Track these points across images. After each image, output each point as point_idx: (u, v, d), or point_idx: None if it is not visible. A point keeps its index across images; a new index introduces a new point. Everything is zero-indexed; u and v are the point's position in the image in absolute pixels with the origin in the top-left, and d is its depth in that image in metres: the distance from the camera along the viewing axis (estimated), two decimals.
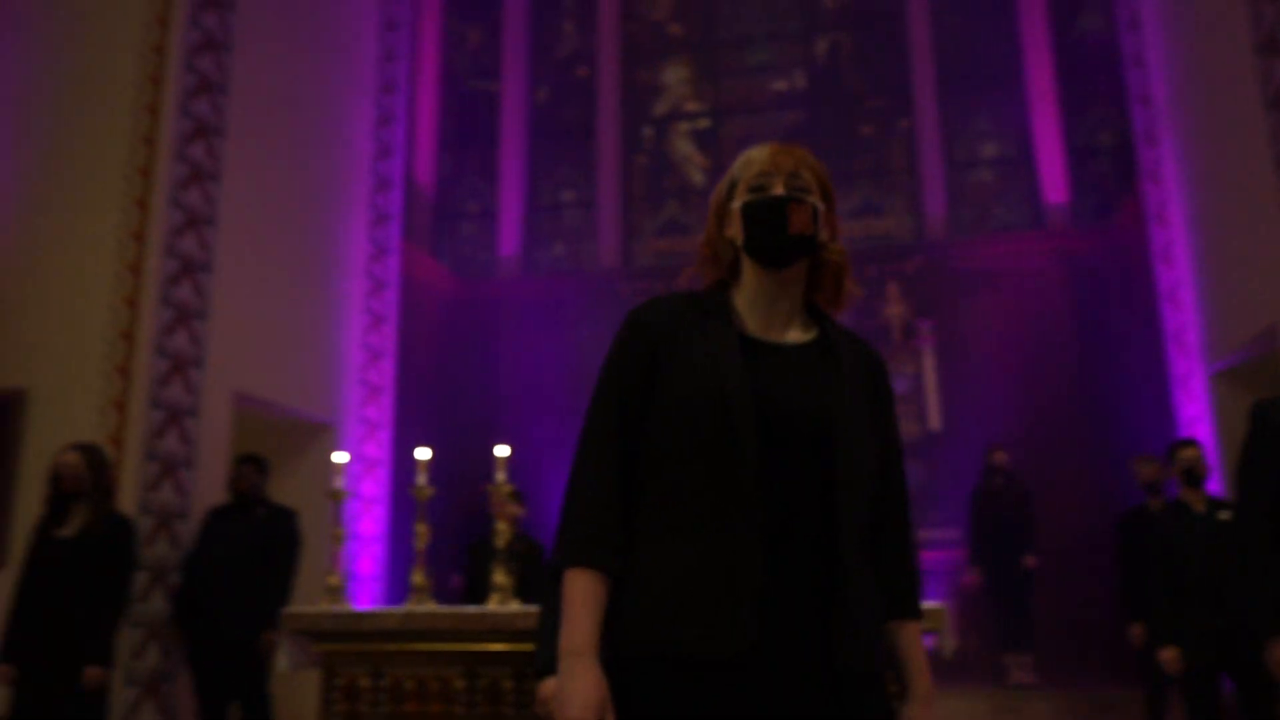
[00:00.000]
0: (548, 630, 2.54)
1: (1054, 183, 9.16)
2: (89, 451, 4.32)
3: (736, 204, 1.63)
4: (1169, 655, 4.45)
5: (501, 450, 3.67)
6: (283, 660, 3.57)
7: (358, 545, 7.31)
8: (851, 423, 1.52)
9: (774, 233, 1.58)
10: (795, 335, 1.62)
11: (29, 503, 4.80)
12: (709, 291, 1.66)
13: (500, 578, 3.59)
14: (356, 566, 7.31)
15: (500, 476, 3.64)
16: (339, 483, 3.76)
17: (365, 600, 7.28)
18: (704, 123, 10.61)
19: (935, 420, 8.54)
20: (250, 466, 5.28)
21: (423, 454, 3.72)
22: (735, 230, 1.63)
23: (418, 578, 3.60)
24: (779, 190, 1.60)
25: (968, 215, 9.60)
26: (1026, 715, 6.57)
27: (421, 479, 3.67)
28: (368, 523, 7.43)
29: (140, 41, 5.68)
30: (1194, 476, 4.66)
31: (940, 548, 7.91)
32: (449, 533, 7.52)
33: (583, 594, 1.47)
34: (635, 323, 1.62)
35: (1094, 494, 7.73)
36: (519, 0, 11.03)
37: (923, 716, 1.57)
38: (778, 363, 1.56)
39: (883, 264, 8.99)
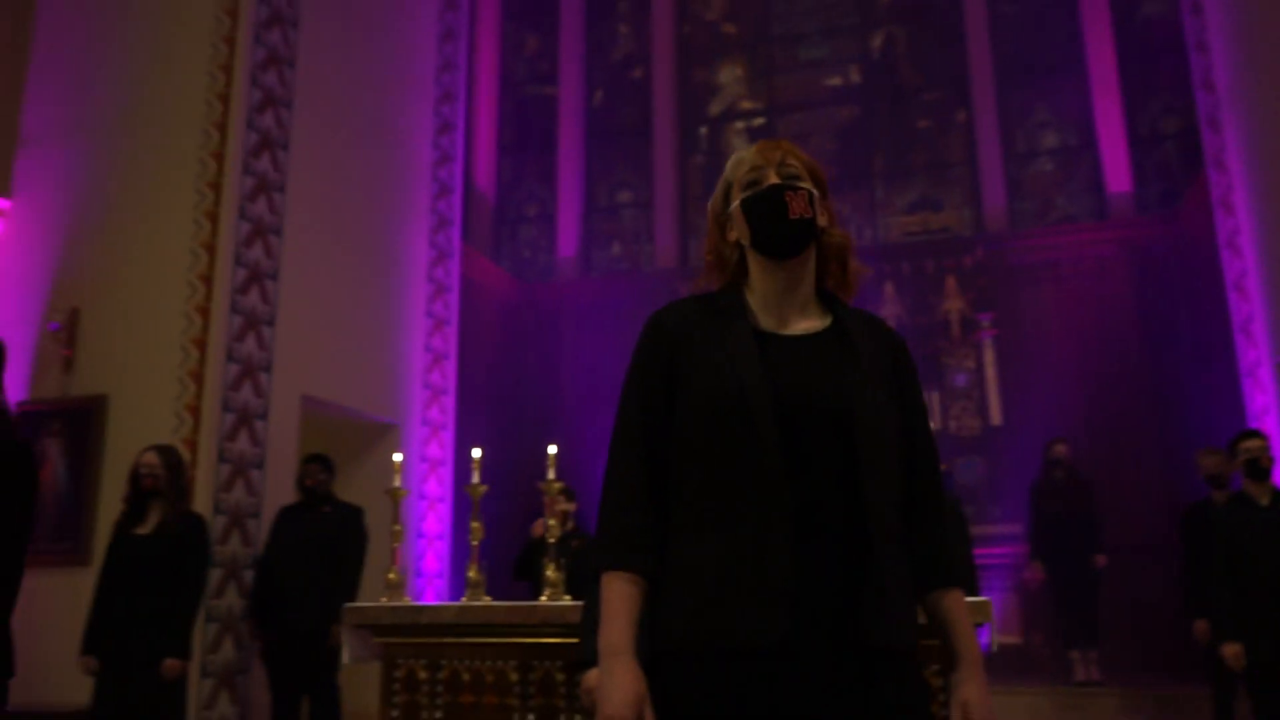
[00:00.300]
0: (589, 625, 2.64)
1: (1117, 172, 8.98)
2: (166, 453, 4.51)
3: (735, 204, 1.68)
4: (1232, 651, 4.38)
5: (551, 448, 3.77)
6: (345, 653, 3.71)
7: (422, 543, 7.49)
8: (871, 405, 1.54)
9: (776, 221, 1.62)
10: (810, 324, 1.65)
11: (111, 503, 5.03)
12: (722, 292, 1.71)
13: (550, 573, 3.68)
14: (422, 564, 7.50)
15: (550, 474, 3.73)
16: (397, 481, 3.89)
17: (431, 596, 7.46)
18: (759, 121, 10.63)
19: (996, 415, 8.45)
20: (316, 465, 5.47)
21: (475, 453, 3.84)
22: (740, 230, 1.68)
23: (472, 573, 3.72)
24: (773, 179, 1.64)
25: (1029, 207, 9.47)
26: (1091, 713, 6.48)
27: (475, 477, 3.78)
28: (432, 521, 7.61)
29: (208, 61, 5.92)
30: (1258, 468, 4.57)
31: (1002, 543, 7.82)
32: (511, 529, 7.68)
33: (618, 596, 1.53)
34: (654, 327, 1.67)
35: (1160, 487, 7.58)
36: (574, 5, 11.16)
37: (970, 681, 1.58)
38: (794, 353, 1.59)
39: (940, 258, 8.91)
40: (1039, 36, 9.69)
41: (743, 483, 1.50)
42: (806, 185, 1.65)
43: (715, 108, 10.82)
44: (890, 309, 8.78)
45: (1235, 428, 6.19)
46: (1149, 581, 7.44)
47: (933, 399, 8.59)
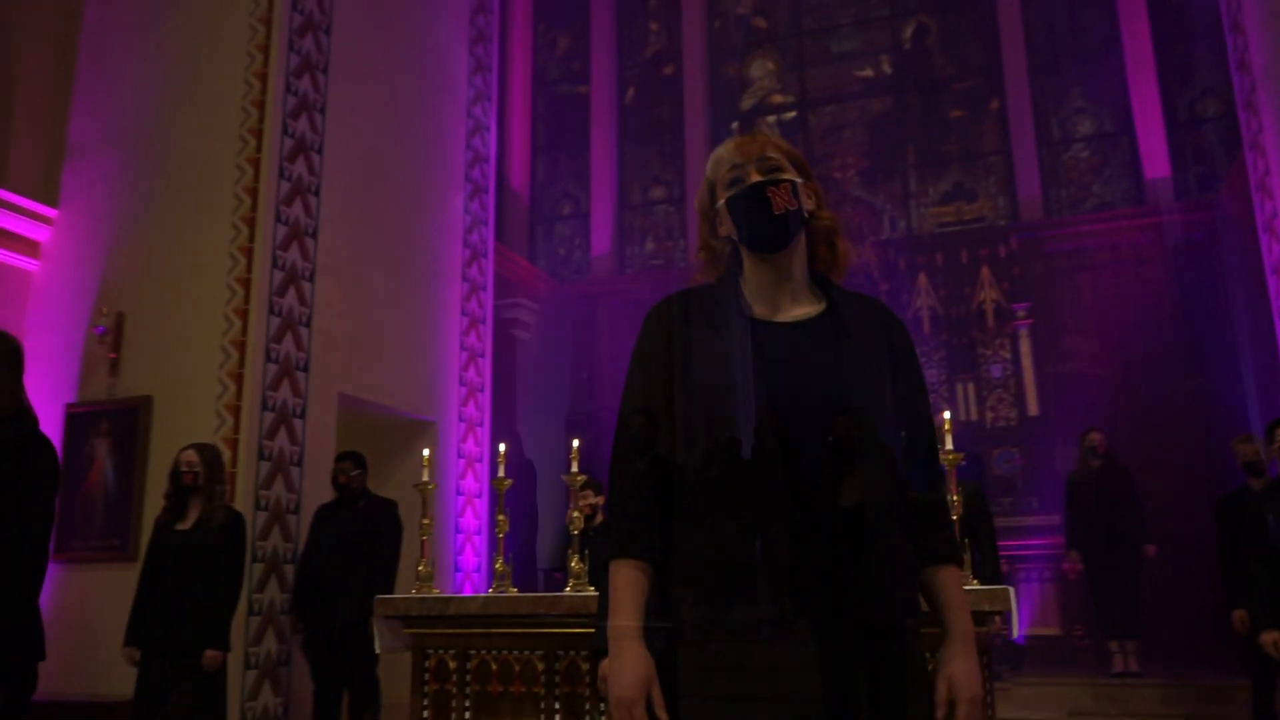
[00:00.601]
0: (602, 614, 2.70)
1: (1154, 157, 8.84)
2: (205, 450, 4.63)
3: (720, 203, 1.72)
4: (1271, 639, 4.33)
5: (574, 442, 3.84)
6: (376, 643, 3.81)
7: (460, 538, 7.60)
8: (864, 387, 1.57)
9: (762, 218, 1.65)
10: (804, 310, 1.68)
11: (156, 500, 5.17)
12: (718, 284, 1.75)
13: (574, 564, 3.75)
14: (461, 559, 7.60)
15: (574, 467, 3.80)
16: (426, 475, 3.98)
17: (469, 590, 7.56)
18: (791, 114, 10.62)
19: (1033, 405, 8.37)
20: (349, 462, 5.59)
21: (501, 448, 3.93)
22: (728, 227, 1.72)
23: (499, 565, 3.80)
24: (754, 177, 1.67)
25: (1064, 195, 9.36)
26: (1131, 704, 6.41)
27: (500, 471, 3.87)
28: (469, 517, 7.72)
29: (244, 69, 6.06)
30: None
31: (1041, 535, 7.76)
32: (548, 523, 7.77)
33: (624, 583, 1.59)
34: (651, 321, 1.72)
35: (1199, 476, 7.46)
36: (605, 4, 11.22)
37: (959, 657, 1.60)
38: (788, 341, 1.63)
39: (975, 248, 8.84)
40: (1072, 21, 9.56)
41: (739, 468, 1.54)
42: (789, 176, 1.68)
43: (747, 102, 10.82)
44: (924, 300, 8.73)
45: (1275, 414, 6.09)
46: (1188, 572, 7.33)
47: (968, 390, 8.54)
